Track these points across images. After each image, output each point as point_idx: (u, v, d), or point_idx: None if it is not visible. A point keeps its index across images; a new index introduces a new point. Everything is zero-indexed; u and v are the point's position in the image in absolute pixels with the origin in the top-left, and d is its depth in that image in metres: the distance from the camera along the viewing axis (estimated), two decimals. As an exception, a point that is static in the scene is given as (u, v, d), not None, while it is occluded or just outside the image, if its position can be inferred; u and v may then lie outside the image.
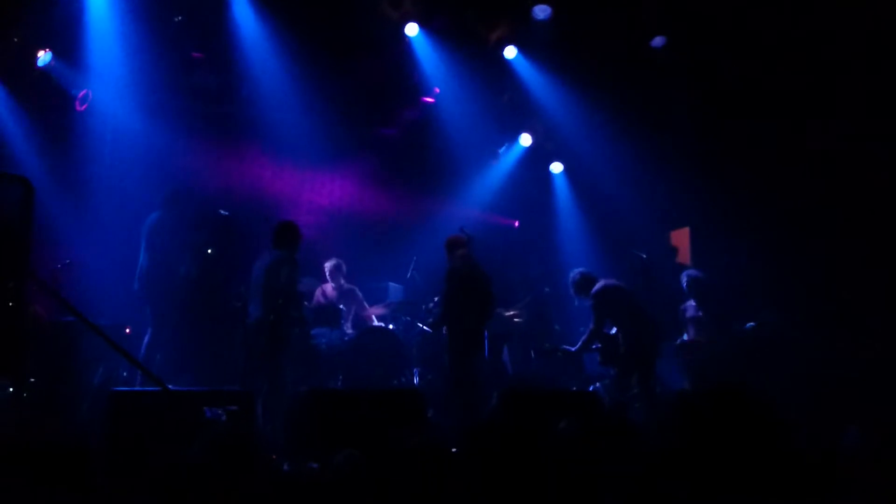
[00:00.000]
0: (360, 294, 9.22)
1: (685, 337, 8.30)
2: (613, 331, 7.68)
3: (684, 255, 10.32)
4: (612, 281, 7.73)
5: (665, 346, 8.45)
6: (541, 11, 9.20)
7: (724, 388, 2.57)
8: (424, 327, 8.42)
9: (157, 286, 7.63)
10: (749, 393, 2.49)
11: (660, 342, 7.68)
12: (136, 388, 6.44)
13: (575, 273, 7.87)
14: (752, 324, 8.15)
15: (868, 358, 7.40)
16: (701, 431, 2.51)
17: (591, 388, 7.68)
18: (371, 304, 9.32)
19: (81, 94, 8.46)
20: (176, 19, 8.54)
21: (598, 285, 7.61)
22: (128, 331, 7.41)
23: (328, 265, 9.11)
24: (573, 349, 7.83)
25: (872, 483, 2.82)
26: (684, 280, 8.38)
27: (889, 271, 7.52)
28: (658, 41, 9.44)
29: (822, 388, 7.06)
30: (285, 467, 4.61)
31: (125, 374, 7.23)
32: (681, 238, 10.49)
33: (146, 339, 7.56)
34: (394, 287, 9.63)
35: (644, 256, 8.32)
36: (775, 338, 8.04)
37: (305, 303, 8.70)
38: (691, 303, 8.38)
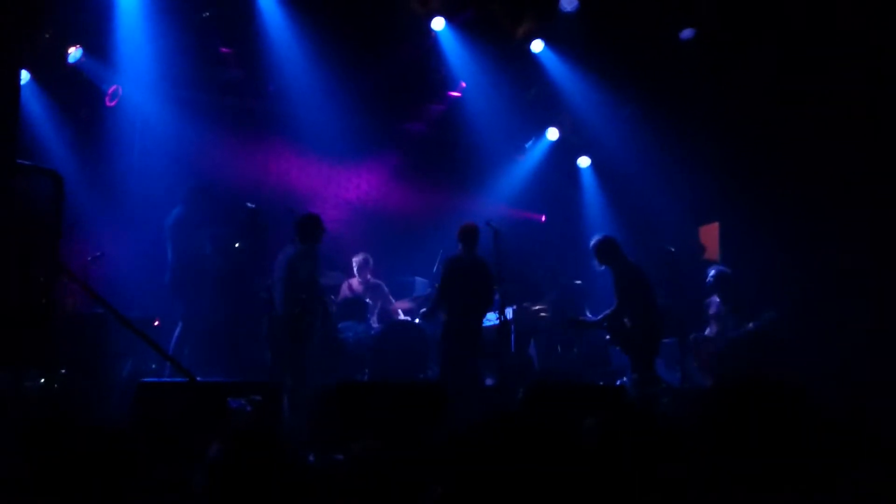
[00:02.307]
0: (386, 288, 9.25)
1: (706, 332, 8.24)
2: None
3: (713, 251, 10.21)
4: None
5: (693, 340, 8.42)
6: (568, 4, 9.12)
7: (754, 380, 2.53)
8: (416, 320, 8.49)
9: (187, 280, 7.71)
10: (781, 384, 2.44)
11: (661, 338, 7.72)
12: (164, 380, 6.51)
13: (597, 238, 7.88)
14: (767, 317, 8.00)
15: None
16: (734, 425, 2.47)
17: (618, 383, 7.62)
18: (398, 299, 9.34)
19: (111, 89, 8.56)
20: (204, 15, 8.59)
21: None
22: (156, 323, 7.49)
23: (356, 259, 9.16)
24: (595, 318, 7.86)
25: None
26: (710, 275, 8.29)
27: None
28: (687, 33, 9.32)
29: (848, 384, 6.96)
30: (311, 459, 4.63)
31: (154, 366, 7.32)
32: (710, 233, 10.37)
33: (176, 332, 7.65)
34: (420, 281, 9.64)
35: (672, 250, 8.23)
36: (791, 331, 7.95)
37: (332, 297, 8.76)
38: (715, 298, 8.30)
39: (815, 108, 8.36)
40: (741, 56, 8.91)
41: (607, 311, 7.66)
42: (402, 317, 9.03)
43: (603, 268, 7.78)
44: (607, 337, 7.83)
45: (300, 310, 6.92)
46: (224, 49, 9.10)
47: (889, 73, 7.61)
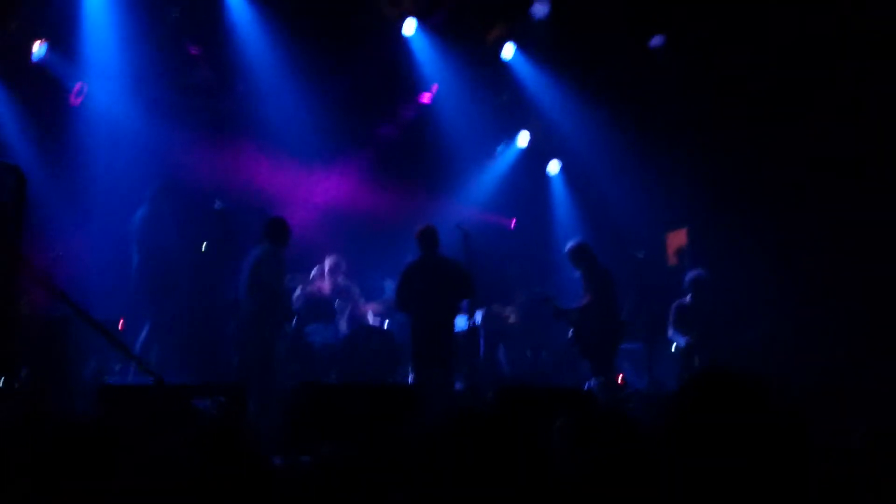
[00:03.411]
0: (356, 291, 9.20)
1: (680, 336, 8.33)
2: None
3: (682, 256, 10.29)
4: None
5: (660, 348, 8.50)
6: (539, 10, 9.17)
7: (717, 375, 2.53)
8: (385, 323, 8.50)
9: (153, 281, 7.62)
10: (744, 378, 2.44)
11: (619, 342, 7.91)
12: (126, 381, 6.42)
13: (573, 242, 8.05)
14: (750, 333, 8.13)
15: (872, 360, 7.39)
16: (689, 422, 2.46)
17: (586, 387, 7.65)
18: (368, 302, 9.29)
19: (76, 87, 8.42)
20: (173, 14, 8.51)
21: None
22: (121, 325, 7.37)
23: (328, 261, 9.10)
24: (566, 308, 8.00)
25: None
26: (686, 279, 8.39)
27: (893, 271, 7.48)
28: (657, 40, 9.42)
29: (824, 392, 7.04)
30: (277, 461, 4.57)
31: (118, 367, 7.20)
32: (678, 238, 10.47)
33: (143, 334, 7.55)
34: (390, 285, 9.59)
35: (640, 256, 8.31)
36: (773, 344, 8.07)
37: (295, 297, 8.72)
38: (686, 301, 8.37)
39: (783, 115, 8.48)
40: (709, 63, 9.02)
41: (581, 303, 7.80)
42: (372, 319, 8.98)
43: (577, 273, 7.96)
44: (570, 333, 7.96)
45: (259, 309, 6.92)
46: (193, 49, 9.00)
47: (859, 76, 7.73)
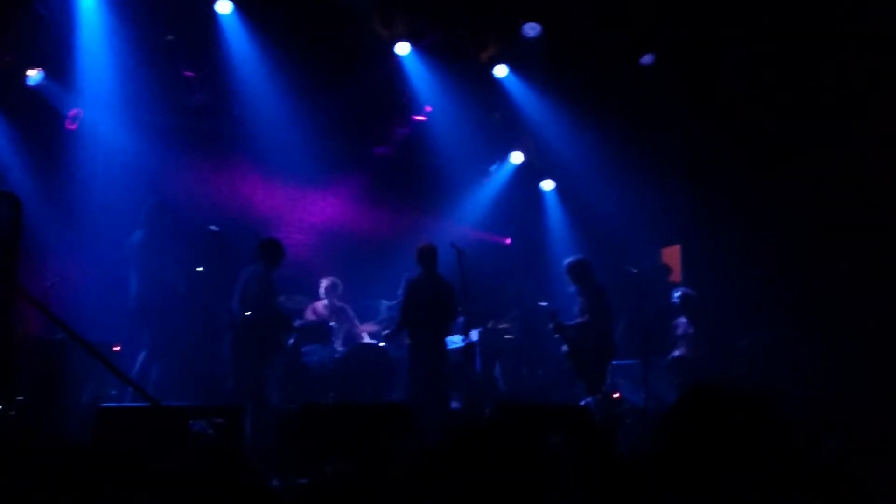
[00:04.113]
0: (351, 312, 9.23)
1: (675, 353, 8.34)
2: None
3: (675, 273, 10.34)
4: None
5: (656, 362, 8.51)
6: (530, 29, 9.26)
7: (715, 392, 2.55)
8: (380, 343, 8.51)
9: (152, 304, 7.63)
10: (743, 395, 2.47)
11: (611, 361, 7.97)
12: (124, 404, 6.41)
13: (572, 259, 8.19)
14: (745, 340, 8.17)
15: (861, 374, 7.42)
16: (682, 437, 2.49)
17: (582, 403, 7.66)
18: (363, 322, 9.31)
19: (72, 112, 8.46)
20: (167, 38, 8.57)
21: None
22: (117, 348, 7.37)
23: (325, 282, 9.15)
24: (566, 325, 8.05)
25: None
26: (677, 297, 8.44)
27: (885, 287, 7.52)
28: (647, 59, 9.50)
29: (815, 403, 7.06)
30: (275, 483, 4.58)
31: (114, 392, 7.20)
32: (672, 255, 10.51)
33: (141, 357, 7.55)
34: (385, 304, 9.62)
35: (635, 271, 8.35)
36: (768, 354, 8.09)
37: (297, 321, 8.73)
38: (683, 319, 8.43)
39: (775, 132, 8.55)
40: (700, 80, 9.10)
41: (580, 320, 7.85)
42: (367, 339, 8.99)
43: (573, 288, 8.04)
44: (564, 348, 8.00)
45: (248, 329, 7.01)
46: (188, 72, 9.06)
47: (848, 95, 7.80)
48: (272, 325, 7.50)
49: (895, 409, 6.47)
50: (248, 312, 7.19)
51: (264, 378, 7.12)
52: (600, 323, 7.86)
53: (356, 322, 9.20)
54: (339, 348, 8.69)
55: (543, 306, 8.64)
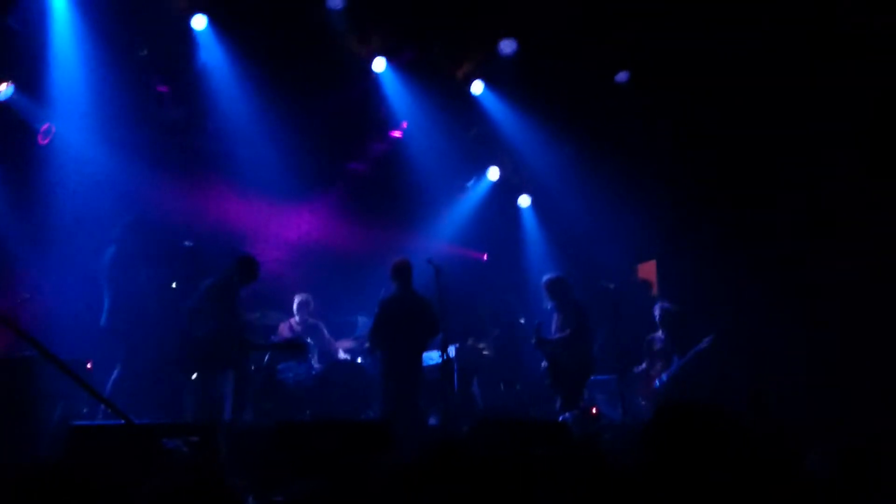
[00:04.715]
0: (324, 329, 9.17)
1: (643, 366, 8.45)
2: None
3: (652, 288, 10.39)
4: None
5: (633, 378, 8.56)
6: (506, 46, 9.31)
7: (689, 409, 2.55)
8: (357, 359, 8.47)
9: (126, 321, 7.52)
10: (716, 412, 2.47)
11: (589, 376, 8.05)
12: (96, 422, 6.29)
13: (551, 275, 8.18)
14: (703, 344, 8.20)
15: (838, 385, 7.50)
16: (661, 454, 2.49)
17: (560, 419, 7.65)
18: (340, 338, 9.25)
19: (44, 127, 8.35)
20: (141, 53, 8.51)
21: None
22: (89, 366, 7.25)
23: (297, 299, 9.09)
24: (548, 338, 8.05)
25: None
26: (657, 312, 8.49)
27: (861, 300, 7.61)
28: (622, 76, 9.59)
29: (788, 418, 7.12)
30: (250, 501, 4.50)
31: (86, 410, 7.07)
32: (648, 271, 10.57)
33: (114, 374, 7.43)
34: (363, 320, 9.56)
35: (612, 287, 8.38)
36: (728, 352, 8.21)
37: (273, 337, 8.66)
38: (659, 334, 8.48)
39: (749, 149, 8.65)
40: (674, 98, 9.20)
41: (561, 336, 7.84)
42: (342, 356, 8.93)
43: (551, 304, 8.05)
44: (543, 364, 8.00)
45: (203, 342, 6.97)
46: (162, 87, 8.99)
47: (819, 111, 7.91)
48: (225, 341, 7.34)
49: (870, 420, 6.53)
50: (191, 325, 7.11)
51: (220, 396, 7.03)
52: (579, 339, 7.88)
53: (330, 339, 9.14)
54: (316, 365, 8.62)
55: (522, 323, 8.64)
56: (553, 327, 8.14)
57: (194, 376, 7.33)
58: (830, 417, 6.79)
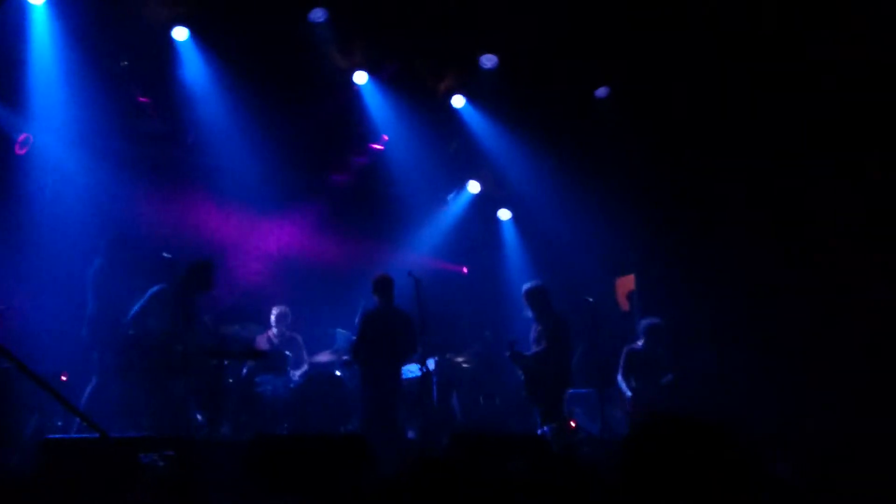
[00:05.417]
0: (301, 343, 9.14)
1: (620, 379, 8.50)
2: None
3: (632, 301, 10.45)
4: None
5: (612, 392, 8.58)
6: (487, 61, 9.37)
7: (670, 420, 2.57)
8: (336, 372, 8.45)
9: (105, 333, 7.47)
10: (698, 423, 2.49)
11: (567, 389, 8.02)
12: (70, 436, 6.22)
13: (531, 284, 8.15)
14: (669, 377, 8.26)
15: (815, 398, 7.55)
16: (640, 467, 2.50)
17: (538, 433, 7.66)
18: (319, 351, 9.22)
19: (22, 137, 8.30)
20: (122, 64, 8.48)
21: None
22: (64, 378, 7.18)
23: (275, 311, 9.07)
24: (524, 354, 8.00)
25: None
26: (641, 326, 8.51)
27: (840, 314, 7.68)
28: (601, 91, 9.67)
29: (768, 427, 7.17)
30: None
31: (60, 423, 6.99)
32: (626, 285, 10.63)
33: (90, 387, 7.35)
34: (342, 333, 9.54)
35: (591, 300, 8.41)
36: (720, 380, 8.24)
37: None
38: (639, 348, 8.49)
39: (727, 163, 8.73)
40: (653, 112, 9.28)
41: (537, 349, 7.84)
42: (323, 359, 8.93)
43: (531, 314, 8.04)
44: (521, 376, 8.00)
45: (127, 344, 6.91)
46: (142, 98, 8.95)
47: (799, 128, 8.01)
48: (170, 349, 7.25)
49: (846, 433, 6.58)
50: (131, 332, 7.04)
51: (179, 405, 6.97)
52: (557, 351, 7.85)
53: (305, 353, 9.11)
54: (295, 378, 8.58)
55: (509, 337, 8.63)
56: (532, 336, 8.14)
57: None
58: (797, 425, 6.85)
